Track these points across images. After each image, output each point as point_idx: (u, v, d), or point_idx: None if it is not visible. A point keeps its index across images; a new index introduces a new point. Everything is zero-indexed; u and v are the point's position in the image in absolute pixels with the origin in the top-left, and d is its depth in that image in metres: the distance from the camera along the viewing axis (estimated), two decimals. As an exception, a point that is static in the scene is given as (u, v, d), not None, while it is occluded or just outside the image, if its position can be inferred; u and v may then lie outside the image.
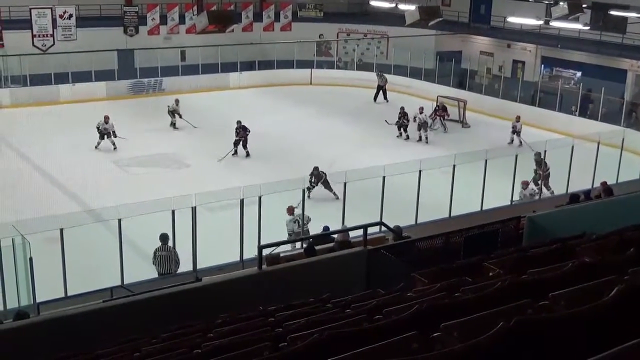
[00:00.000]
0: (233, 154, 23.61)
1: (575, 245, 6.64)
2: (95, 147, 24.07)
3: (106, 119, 24.27)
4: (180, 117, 27.81)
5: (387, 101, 33.16)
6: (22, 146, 23.91)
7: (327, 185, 19.48)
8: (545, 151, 18.82)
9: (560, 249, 6.65)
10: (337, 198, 18.57)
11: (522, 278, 4.86)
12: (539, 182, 19.77)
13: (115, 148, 24.10)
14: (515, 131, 25.96)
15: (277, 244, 9.74)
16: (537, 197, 18.74)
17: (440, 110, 28.72)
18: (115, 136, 24.16)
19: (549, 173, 20.04)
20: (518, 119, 26.39)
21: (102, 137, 24.13)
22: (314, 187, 19.34)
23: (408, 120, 26.73)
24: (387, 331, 3.64)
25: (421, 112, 26.55)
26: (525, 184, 18.64)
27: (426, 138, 26.31)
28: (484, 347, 3.02)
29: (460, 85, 33.56)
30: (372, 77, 35.22)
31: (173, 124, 27.60)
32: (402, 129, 26.76)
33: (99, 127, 24.14)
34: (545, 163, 20.06)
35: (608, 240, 6.75)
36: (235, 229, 14.92)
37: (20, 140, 24.30)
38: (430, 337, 3.37)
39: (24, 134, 25.19)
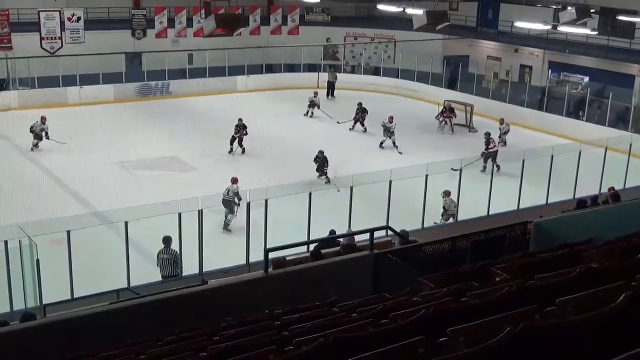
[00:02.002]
0: (229, 152, 24.19)
1: (582, 251, 6.63)
2: (35, 146, 23.95)
3: (43, 119, 24.05)
4: (318, 107, 29.82)
5: (334, 97, 34.25)
6: (29, 148, 23.96)
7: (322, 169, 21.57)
8: (552, 156, 18.75)
9: (567, 255, 6.63)
10: (328, 182, 20.81)
11: (529, 283, 4.85)
12: (488, 158, 22.80)
13: (34, 149, 23.89)
14: (502, 133, 26.10)
15: (284, 247, 9.72)
16: (453, 214, 17.77)
17: (448, 112, 28.73)
18: (48, 138, 23.86)
19: (496, 151, 23.00)
20: (502, 121, 26.58)
21: (38, 138, 23.89)
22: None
23: (366, 113, 28.09)
24: (394, 336, 3.63)
25: (390, 121, 25.93)
26: (446, 194, 17.67)
27: (381, 143, 25.99)
28: (490, 353, 3.01)
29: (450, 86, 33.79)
30: (379, 81, 35.31)
31: (310, 114, 29.98)
32: (360, 123, 28.17)
33: (33, 127, 23.90)
34: (492, 141, 23.34)
35: (615, 246, 6.73)
36: (241, 232, 14.95)
37: (28, 142, 24.34)
38: (436, 342, 3.37)
39: (32, 136, 25.23)
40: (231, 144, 24.36)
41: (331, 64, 37.63)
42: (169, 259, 13.94)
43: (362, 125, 28.21)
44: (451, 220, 17.78)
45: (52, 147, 23.56)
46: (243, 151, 24.51)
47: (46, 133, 23.83)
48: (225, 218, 17.72)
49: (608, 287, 3.88)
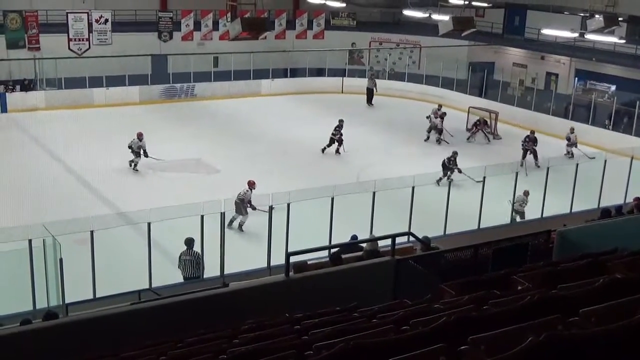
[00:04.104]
0: (327, 147, 25.18)
1: (606, 261, 6.55)
2: (135, 167, 22.58)
3: (140, 136, 22.57)
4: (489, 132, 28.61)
5: (373, 105, 34.03)
6: (55, 148, 24.20)
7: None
8: (577, 165, 18.63)
9: (591, 265, 6.56)
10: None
11: (552, 293, 4.80)
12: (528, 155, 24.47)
13: (133, 168, 22.58)
14: (571, 143, 26.08)
15: (305, 252, 9.71)
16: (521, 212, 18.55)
17: (482, 125, 28.69)
18: (147, 156, 22.48)
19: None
20: (572, 130, 26.46)
21: (138, 156, 22.49)
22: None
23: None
24: (414, 343, 3.61)
25: (441, 116, 27.69)
26: (525, 194, 18.50)
27: (427, 138, 27.62)
28: (512, 362, 2.98)
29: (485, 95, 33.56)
30: (404, 86, 35.19)
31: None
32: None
33: (131, 145, 22.56)
34: (535, 139, 24.84)
35: (640, 257, 6.65)
36: (263, 235, 14.96)
37: (54, 142, 24.59)
38: (457, 350, 3.34)
39: (58, 136, 25.49)
40: (330, 142, 25.05)
41: (371, 70, 36.97)
42: (191, 261, 13.99)
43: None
44: (518, 218, 18.53)
45: (75, 146, 23.72)
46: (337, 151, 25.13)
47: (144, 151, 22.45)
48: (231, 220, 17.78)
49: (632, 298, 3.83)
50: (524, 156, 24.58)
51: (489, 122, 29.03)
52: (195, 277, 13.87)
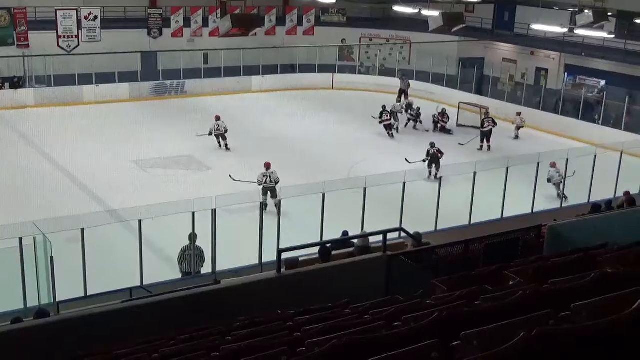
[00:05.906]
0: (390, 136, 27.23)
1: (597, 256, 6.58)
2: (227, 147, 24.63)
3: (218, 118, 24.59)
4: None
5: None
6: (45, 146, 24.11)
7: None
8: (567, 160, 18.70)
9: (581, 259, 6.58)
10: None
11: (543, 288, 4.82)
12: (484, 138, 25.89)
13: (227, 149, 24.57)
14: (517, 127, 27.99)
15: (297, 248, 9.72)
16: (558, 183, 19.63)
17: (440, 116, 29.03)
18: (227, 131, 24.47)
19: (490, 129, 25.84)
20: (518, 114, 28.20)
21: (223, 138, 24.52)
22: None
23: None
24: (406, 338, 3.62)
25: (398, 102, 29.87)
26: (552, 165, 19.60)
27: (397, 129, 28.22)
28: (504, 358, 2.99)
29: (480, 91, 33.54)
30: (394, 82, 35.19)
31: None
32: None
33: (219, 129, 24.47)
34: (487, 120, 26.10)
35: (631, 251, 6.68)
36: (254, 232, 14.96)
37: (44, 139, 24.48)
38: (450, 346, 3.35)
39: (48, 133, 25.39)
40: (389, 129, 27.06)
41: (403, 70, 36.13)
42: (196, 255, 14.00)
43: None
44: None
45: (64, 143, 23.64)
46: (391, 136, 27.04)
47: (226, 129, 24.50)
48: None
49: (623, 293, 3.84)
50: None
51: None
52: (196, 272, 13.91)
